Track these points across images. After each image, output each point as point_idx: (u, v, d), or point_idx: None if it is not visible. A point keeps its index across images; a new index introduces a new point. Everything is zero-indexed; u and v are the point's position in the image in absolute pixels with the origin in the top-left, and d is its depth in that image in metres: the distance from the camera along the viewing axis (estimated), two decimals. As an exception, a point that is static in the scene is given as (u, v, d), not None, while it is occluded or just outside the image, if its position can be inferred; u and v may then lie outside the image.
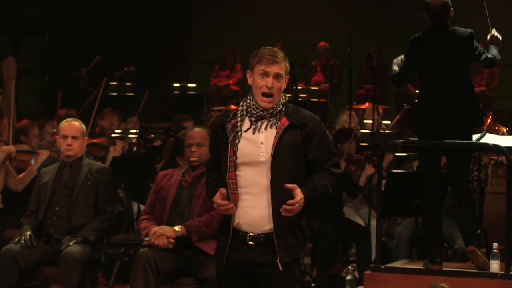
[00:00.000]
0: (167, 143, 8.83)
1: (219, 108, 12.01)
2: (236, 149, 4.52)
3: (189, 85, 13.78)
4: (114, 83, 13.09)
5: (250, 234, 4.53)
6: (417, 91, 7.46)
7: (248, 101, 4.60)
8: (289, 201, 4.43)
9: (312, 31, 15.18)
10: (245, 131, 4.55)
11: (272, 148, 4.49)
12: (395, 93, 13.93)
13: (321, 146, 4.57)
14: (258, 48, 4.65)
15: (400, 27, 15.26)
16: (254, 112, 4.56)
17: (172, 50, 15.36)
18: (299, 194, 4.45)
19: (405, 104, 11.95)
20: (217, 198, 4.53)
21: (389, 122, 11.83)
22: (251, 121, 4.57)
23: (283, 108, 4.57)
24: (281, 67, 4.56)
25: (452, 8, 6.51)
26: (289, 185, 4.44)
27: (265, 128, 4.55)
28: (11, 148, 7.71)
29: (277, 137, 4.51)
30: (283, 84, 4.58)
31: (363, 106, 12.23)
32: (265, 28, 15.43)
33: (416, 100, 6.76)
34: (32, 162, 7.78)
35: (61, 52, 14.41)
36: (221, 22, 16.09)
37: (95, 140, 8.80)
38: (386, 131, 10.92)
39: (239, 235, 4.55)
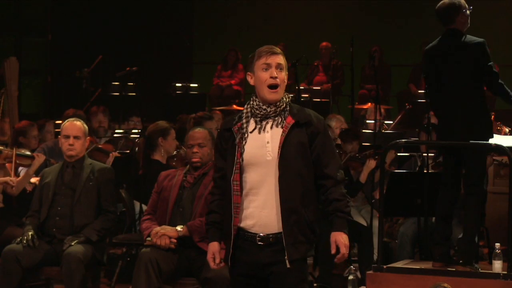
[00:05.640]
0: (138, 145, 8.76)
1: (221, 108, 12.01)
2: (243, 150, 4.55)
3: (192, 85, 13.79)
4: (116, 83, 13.10)
5: (260, 234, 4.54)
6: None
7: (251, 102, 4.64)
8: (338, 257, 4.56)
9: (314, 31, 15.18)
10: (250, 132, 4.58)
11: (279, 147, 4.51)
12: (397, 93, 13.95)
13: (324, 147, 4.59)
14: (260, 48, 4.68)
15: (402, 27, 15.29)
16: (257, 112, 4.59)
17: (174, 50, 15.36)
18: (342, 244, 4.55)
19: (407, 104, 11.96)
20: (211, 260, 4.65)
21: (391, 122, 11.84)
22: (256, 122, 4.60)
23: (288, 108, 4.60)
24: (282, 59, 4.61)
25: (466, 12, 6.39)
26: (334, 251, 4.56)
27: (271, 128, 4.58)
28: (7, 179, 7.60)
29: (283, 136, 4.53)
30: (285, 77, 4.62)
31: (365, 106, 12.25)
32: (268, 28, 15.43)
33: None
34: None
35: (63, 52, 14.41)
36: (223, 22, 16.10)
37: (101, 145, 8.78)
38: (388, 131, 10.93)
39: (248, 236, 4.56)
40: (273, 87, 4.57)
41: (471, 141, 6.37)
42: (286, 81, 4.62)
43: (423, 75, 6.57)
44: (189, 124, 9.20)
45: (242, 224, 4.57)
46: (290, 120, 4.56)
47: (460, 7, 6.40)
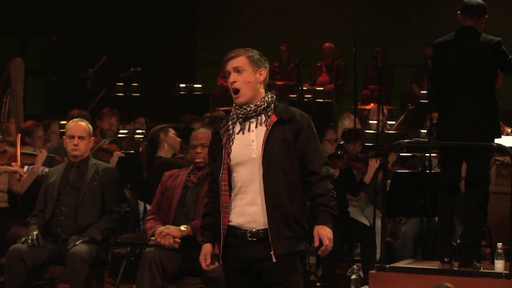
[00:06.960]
0: (142, 147, 8.79)
1: (225, 108, 12.03)
2: (230, 151, 4.65)
3: (195, 85, 13.81)
4: (120, 84, 13.12)
5: (251, 230, 4.63)
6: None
7: (234, 105, 4.73)
8: (322, 249, 4.61)
9: (317, 31, 15.20)
10: (237, 133, 4.68)
11: (263, 144, 4.60)
12: (399, 93, 13.96)
13: (308, 143, 4.66)
14: (263, 48, 4.74)
15: (405, 28, 15.30)
16: (239, 113, 4.68)
17: (178, 51, 15.38)
18: (324, 236, 4.59)
19: (409, 105, 11.98)
20: (203, 261, 4.80)
21: (394, 122, 11.85)
22: (240, 123, 4.70)
23: (272, 107, 4.68)
24: (240, 61, 4.68)
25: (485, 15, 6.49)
26: (318, 243, 4.61)
27: (255, 127, 4.67)
28: (17, 169, 7.65)
29: (266, 133, 4.62)
30: (251, 77, 4.66)
31: (368, 107, 12.27)
32: (271, 29, 15.45)
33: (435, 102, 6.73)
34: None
35: (68, 52, 14.44)
36: (226, 23, 16.12)
37: (105, 145, 8.81)
38: (391, 132, 10.95)
39: (239, 233, 4.65)
40: (234, 92, 4.67)
41: (474, 142, 6.39)
42: (252, 80, 4.65)
43: (433, 67, 6.58)
44: (204, 122, 9.28)
45: (233, 222, 4.66)
46: (273, 118, 4.64)
47: (486, 12, 6.50)
